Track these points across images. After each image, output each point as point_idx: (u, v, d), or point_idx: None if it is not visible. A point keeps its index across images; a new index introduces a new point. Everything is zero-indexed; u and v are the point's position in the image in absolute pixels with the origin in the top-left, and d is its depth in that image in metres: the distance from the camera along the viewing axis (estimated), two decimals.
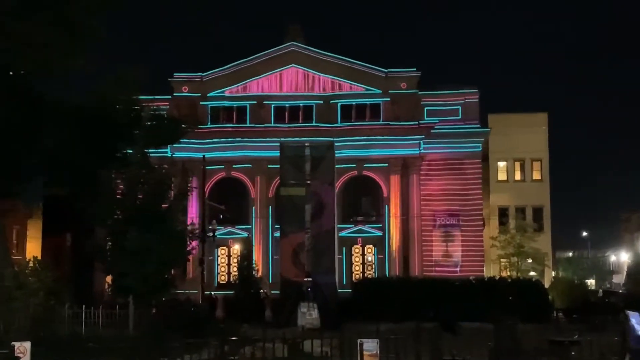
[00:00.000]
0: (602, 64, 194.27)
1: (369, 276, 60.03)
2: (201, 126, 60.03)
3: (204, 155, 54.47)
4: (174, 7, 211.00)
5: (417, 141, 61.88)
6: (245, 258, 51.72)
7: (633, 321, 19.87)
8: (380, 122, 62.95)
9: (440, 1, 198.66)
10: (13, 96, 31.90)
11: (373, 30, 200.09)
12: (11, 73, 32.21)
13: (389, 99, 63.44)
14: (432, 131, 62.01)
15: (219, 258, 64.33)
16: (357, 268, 63.22)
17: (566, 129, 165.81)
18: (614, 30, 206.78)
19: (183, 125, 41.51)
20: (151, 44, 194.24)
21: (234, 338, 24.56)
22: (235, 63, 65.40)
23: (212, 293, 54.11)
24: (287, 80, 65.33)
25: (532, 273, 62.76)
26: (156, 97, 46.28)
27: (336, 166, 51.62)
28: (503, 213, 68.53)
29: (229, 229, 62.55)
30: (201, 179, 52.94)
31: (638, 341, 19.55)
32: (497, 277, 53.45)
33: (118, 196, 33.09)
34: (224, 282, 63.01)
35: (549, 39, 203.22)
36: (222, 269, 64.60)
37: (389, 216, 62.38)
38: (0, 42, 30.44)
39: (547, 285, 56.40)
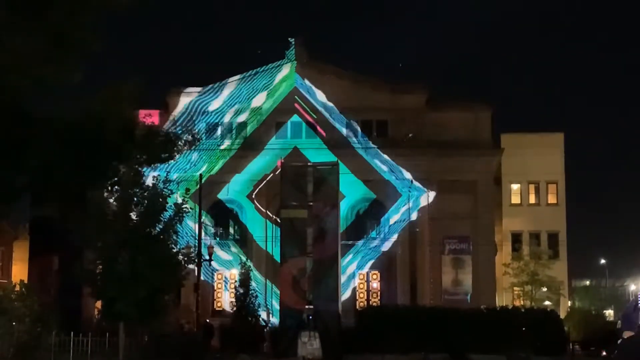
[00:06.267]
0: (624, 79, 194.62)
1: (374, 304, 59.87)
2: (198, 143, 60.06)
3: (200, 174, 54.53)
4: (173, 14, 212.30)
5: (425, 161, 61.78)
6: (243, 283, 51.64)
7: None
8: (387, 140, 62.92)
9: (446, 14, 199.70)
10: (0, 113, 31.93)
11: (378, 43, 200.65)
12: None
13: (395, 116, 63.42)
14: (441, 151, 61.89)
15: (215, 283, 64.23)
16: (361, 295, 63.02)
17: (584, 150, 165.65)
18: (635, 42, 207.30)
19: (179, 142, 41.54)
20: (146, 54, 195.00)
21: None
22: (233, 78, 65.44)
23: (208, 320, 54.01)
24: (288, 96, 65.20)
25: (546, 302, 62.50)
26: (150, 111, 46.35)
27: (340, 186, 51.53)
28: (516, 239, 68.18)
29: (227, 252, 62.49)
30: (197, 199, 52.94)
31: None
32: (510, 307, 53.31)
33: (109, 217, 33.06)
34: (221, 308, 62.88)
35: (567, 52, 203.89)
36: (219, 295, 64.46)
37: (395, 241, 62.21)
38: None
39: (562, 315, 56.24)
